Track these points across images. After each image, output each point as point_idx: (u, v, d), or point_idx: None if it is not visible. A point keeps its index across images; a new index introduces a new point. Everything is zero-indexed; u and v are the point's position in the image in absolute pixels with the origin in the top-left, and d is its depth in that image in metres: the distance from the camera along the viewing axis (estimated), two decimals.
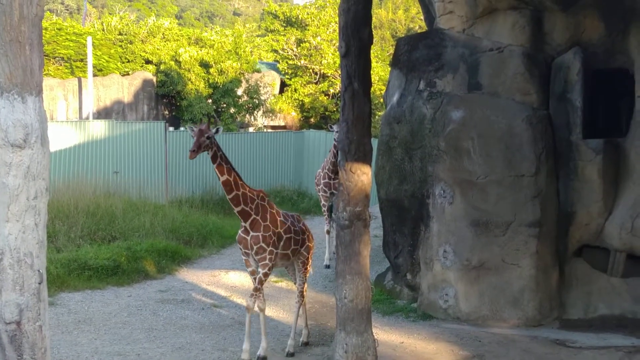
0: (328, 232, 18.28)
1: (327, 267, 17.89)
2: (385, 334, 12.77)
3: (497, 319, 13.64)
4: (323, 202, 18.41)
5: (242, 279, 16.94)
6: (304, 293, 12.29)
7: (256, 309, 11.41)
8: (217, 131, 10.80)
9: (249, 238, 11.06)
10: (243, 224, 11.09)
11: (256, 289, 11.27)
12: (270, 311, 14.37)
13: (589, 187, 13.71)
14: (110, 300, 14.70)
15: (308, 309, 14.63)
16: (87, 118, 32.92)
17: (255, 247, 11.05)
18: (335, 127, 17.00)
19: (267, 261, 11.12)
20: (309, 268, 12.32)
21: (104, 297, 15.06)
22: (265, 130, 39.53)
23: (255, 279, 11.26)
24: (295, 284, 12.49)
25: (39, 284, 5.33)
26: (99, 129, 25.65)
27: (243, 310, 14.37)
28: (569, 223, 13.82)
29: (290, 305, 14.79)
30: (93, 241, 18.03)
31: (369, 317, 10.77)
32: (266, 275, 11.23)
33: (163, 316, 13.99)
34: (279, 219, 11.35)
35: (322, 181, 18.15)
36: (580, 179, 13.76)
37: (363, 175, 10.64)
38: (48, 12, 34.48)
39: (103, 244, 17.94)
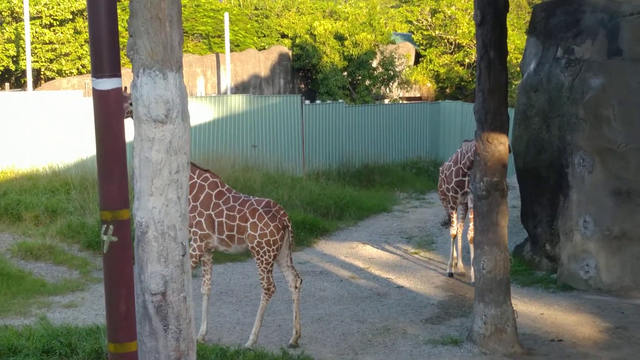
0: (454, 235, 15.16)
1: (450, 275, 14.87)
2: (524, 305, 12.65)
3: None
4: (452, 204, 14.83)
5: (379, 251, 17.00)
6: (268, 288, 10.89)
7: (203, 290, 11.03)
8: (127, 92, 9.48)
9: None
10: None
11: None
12: (407, 282, 14.41)
13: None
14: (251, 272, 14.94)
15: (444, 280, 14.60)
16: (225, 93, 33.42)
17: None
18: (464, 146, 14.32)
19: (192, 242, 10.69)
20: (262, 261, 10.71)
21: (244, 270, 15.34)
22: (400, 101, 39.40)
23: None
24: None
25: (183, 256, 5.46)
26: (237, 103, 25.98)
27: (381, 282, 14.48)
28: None
29: (428, 276, 14.80)
30: None
31: (508, 288, 10.72)
32: (191, 255, 9.98)
33: (302, 288, 14.14)
34: (214, 201, 10.69)
35: (454, 178, 14.48)
36: None
37: (500, 145, 10.58)
38: None
39: None
